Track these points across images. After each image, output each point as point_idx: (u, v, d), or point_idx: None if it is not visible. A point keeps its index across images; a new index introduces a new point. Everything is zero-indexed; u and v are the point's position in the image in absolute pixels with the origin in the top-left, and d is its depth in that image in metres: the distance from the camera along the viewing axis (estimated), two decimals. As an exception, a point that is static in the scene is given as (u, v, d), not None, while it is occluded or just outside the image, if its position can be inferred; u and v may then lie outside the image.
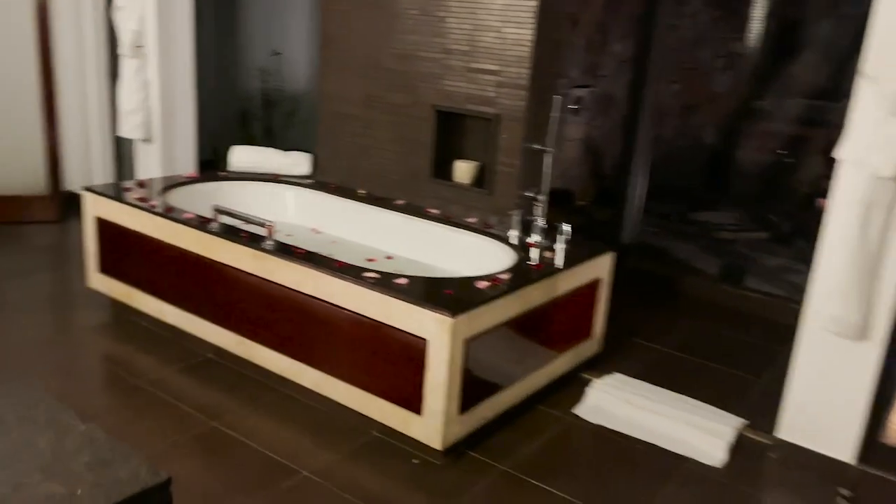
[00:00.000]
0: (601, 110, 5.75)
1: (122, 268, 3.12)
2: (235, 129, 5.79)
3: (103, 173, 4.69)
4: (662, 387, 2.93)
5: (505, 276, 2.49)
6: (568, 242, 2.86)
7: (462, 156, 3.33)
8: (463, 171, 3.23)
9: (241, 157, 3.68)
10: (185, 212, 2.93)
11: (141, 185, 3.29)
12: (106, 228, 3.13)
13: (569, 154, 5.96)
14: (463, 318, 2.20)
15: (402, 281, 2.36)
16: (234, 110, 5.78)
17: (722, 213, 5.57)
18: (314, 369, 2.53)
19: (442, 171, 3.31)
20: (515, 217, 3.01)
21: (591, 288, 2.89)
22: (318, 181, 3.67)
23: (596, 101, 5.77)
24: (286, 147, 4.03)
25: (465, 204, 3.23)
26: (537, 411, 2.70)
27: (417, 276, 2.43)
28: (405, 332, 2.26)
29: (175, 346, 2.94)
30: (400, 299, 2.26)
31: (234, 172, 3.67)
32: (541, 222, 2.94)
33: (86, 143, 4.73)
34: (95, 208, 3.15)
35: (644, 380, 2.99)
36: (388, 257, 3.23)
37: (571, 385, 2.89)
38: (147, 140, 4.21)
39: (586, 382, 2.92)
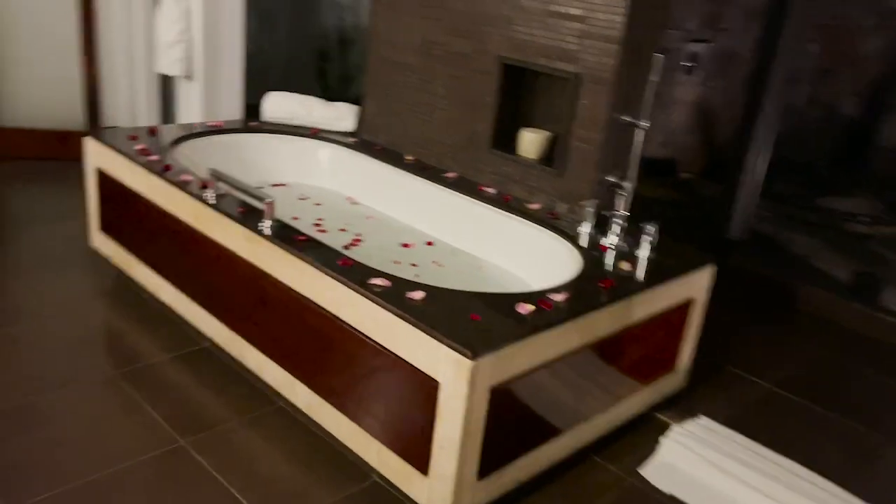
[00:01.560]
0: (719, 70, 4.90)
1: (122, 230, 2.67)
2: (311, 70, 5.29)
3: (147, 113, 4.29)
4: (762, 441, 2.25)
5: (560, 298, 1.85)
6: (654, 248, 2.18)
7: (530, 123, 2.66)
8: (529, 142, 2.57)
9: (276, 105, 3.14)
10: (186, 172, 2.43)
11: (152, 132, 2.81)
12: (105, 182, 2.67)
13: (676, 119, 5.16)
14: (488, 359, 1.60)
15: (418, 295, 1.77)
16: (310, 49, 5.26)
17: (856, 201, 4.65)
18: (306, 388, 2.00)
19: (504, 140, 2.66)
20: (589, 208, 2.34)
21: (681, 311, 2.22)
22: (361, 140, 3.09)
23: (714, 58, 4.93)
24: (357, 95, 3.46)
25: (528, 184, 2.58)
26: (590, 465, 2.09)
27: (440, 290, 1.83)
28: (412, 366, 1.69)
29: (173, 327, 2.48)
30: (408, 322, 1.68)
31: (266, 123, 3.14)
32: (621, 219, 2.26)
33: (130, 77, 4.32)
34: (96, 157, 2.70)
35: (739, 428, 2.31)
36: (428, 243, 2.63)
37: (641, 429, 2.26)
38: (187, 77, 3.75)
39: (661, 428, 2.27)
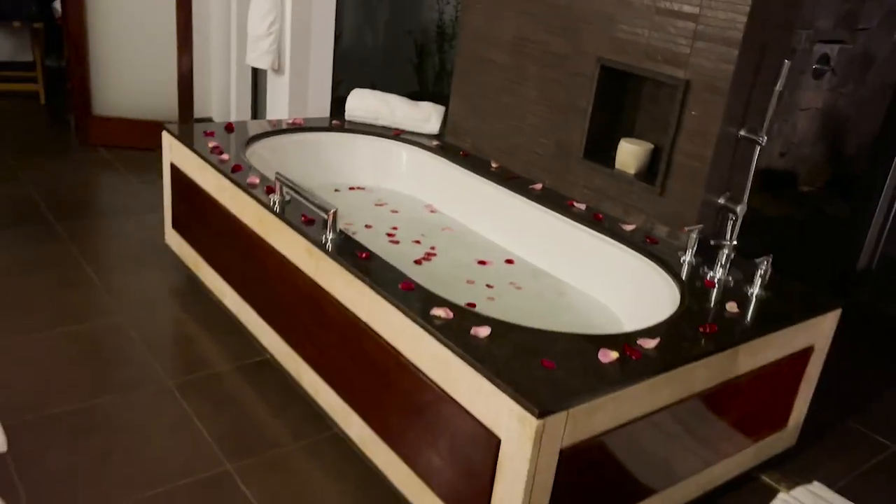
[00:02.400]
0: (854, 74, 4.41)
1: (191, 229, 2.59)
2: (408, 64, 5.15)
3: (237, 106, 4.25)
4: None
5: (651, 345, 1.58)
6: (767, 285, 1.88)
7: (630, 134, 2.38)
8: (628, 154, 2.29)
9: (359, 103, 2.98)
10: (255, 174, 2.29)
11: (229, 128, 2.71)
12: (178, 178, 2.59)
13: (800, 127, 4.70)
14: (558, 417, 1.36)
15: (483, 332, 1.55)
16: (408, 43, 5.12)
17: None
18: (361, 420, 1.82)
19: (599, 151, 2.39)
20: (694, 235, 2.04)
21: (797, 360, 1.89)
22: (445, 144, 2.89)
23: (848, 61, 4.43)
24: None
25: (625, 202, 2.30)
26: (678, 534, 1.81)
27: (510, 327, 1.59)
28: (472, 415, 1.47)
29: (239, 334, 2.37)
30: (470, 364, 1.46)
31: (347, 122, 2.99)
32: (729, 249, 1.96)
33: (224, 70, 4.30)
34: (171, 152, 2.62)
35: (858, 499, 1.96)
36: (508, 261, 2.40)
37: (742, 492, 1.96)
38: (276, 71, 3.66)
39: (766, 492, 1.96)
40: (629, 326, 2.03)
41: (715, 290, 1.90)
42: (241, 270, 2.29)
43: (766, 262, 1.89)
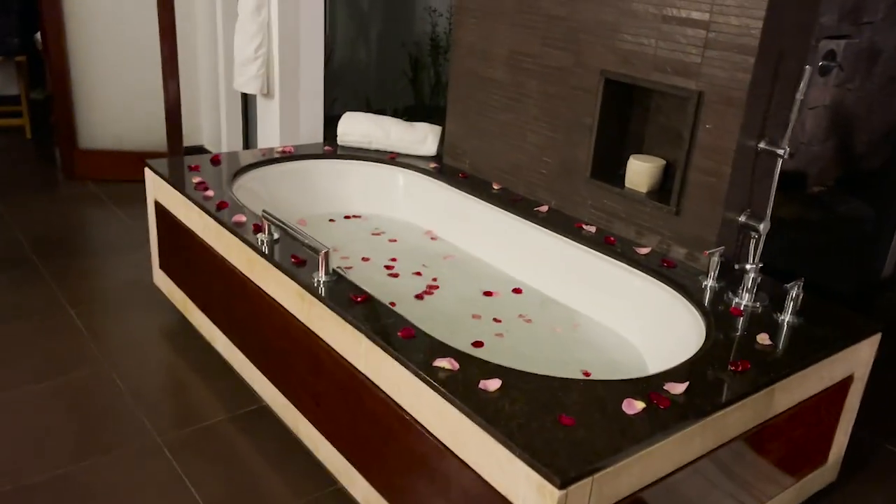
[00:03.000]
0: (861, 69, 4.26)
1: (178, 270, 2.44)
2: (403, 79, 5.02)
3: (228, 133, 4.12)
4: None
5: (679, 390, 1.42)
6: (797, 309, 1.73)
7: (639, 150, 2.24)
8: (638, 172, 2.14)
9: (352, 128, 2.84)
10: (242, 211, 2.15)
11: (215, 161, 2.57)
12: (163, 216, 2.45)
13: (809, 125, 4.55)
14: (583, 485, 1.20)
15: (493, 385, 1.40)
16: (402, 58, 4.99)
17: None
18: (365, 480, 1.67)
19: (607, 169, 2.24)
20: (715, 258, 1.89)
21: (836, 392, 1.74)
22: (443, 166, 2.75)
23: (855, 56, 4.29)
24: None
25: (637, 223, 2.15)
26: (716, 589, 1.65)
27: (523, 376, 1.44)
28: (483, 479, 1.32)
29: (232, 380, 2.23)
30: (479, 424, 1.31)
31: (340, 148, 2.85)
32: (755, 272, 1.81)
33: (213, 97, 4.17)
34: (154, 190, 2.49)
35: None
36: (516, 290, 2.25)
37: (780, 539, 1.80)
38: (265, 95, 3.53)
39: (807, 537, 1.80)
40: (651, 361, 1.88)
41: (742, 318, 1.75)
42: (231, 314, 2.14)
43: (797, 287, 1.73)
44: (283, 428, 2.01)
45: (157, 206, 2.47)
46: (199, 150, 4.28)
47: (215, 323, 2.24)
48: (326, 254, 1.75)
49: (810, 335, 1.68)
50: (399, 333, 1.55)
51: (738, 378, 1.49)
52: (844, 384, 1.74)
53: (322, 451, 1.82)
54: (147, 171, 2.49)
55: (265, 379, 2.01)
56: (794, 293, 1.73)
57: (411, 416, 1.47)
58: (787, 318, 1.73)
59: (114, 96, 3.91)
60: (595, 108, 2.18)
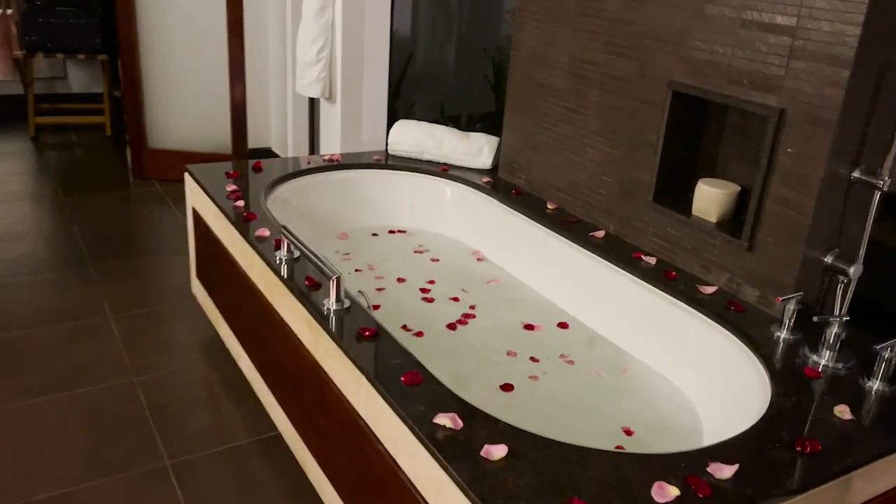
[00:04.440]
0: None
1: (212, 282, 2.35)
2: (484, 86, 4.84)
3: (296, 135, 4.04)
4: None
5: (726, 474, 1.17)
6: (891, 374, 1.43)
7: (710, 173, 1.96)
8: (708, 199, 1.87)
9: (403, 136, 2.68)
10: (266, 225, 2.02)
11: (257, 168, 2.46)
12: (199, 224, 2.36)
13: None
14: None
15: (497, 452, 1.18)
16: (484, 61, 4.81)
17: None
18: (364, 536, 1.49)
19: (673, 193, 1.98)
20: (790, 305, 1.61)
21: (933, 479, 1.42)
22: (498, 181, 2.54)
23: None
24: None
25: (704, 257, 1.88)
26: None
27: (534, 442, 1.22)
28: (477, 568, 1.11)
29: (252, 402, 2.11)
30: (470, 501, 1.10)
31: (389, 157, 2.69)
32: (840, 326, 1.51)
33: (280, 100, 4.11)
34: (192, 195, 2.40)
35: None
36: (562, 325, 2.02)
37: None
38: (328, 99, 3.42)
39: None
40: (706, 419, 1.62)
41: (819, 381, 1.46)
42: (253, 333, 2.02)
43: (892, 348, 1.43)
44: (294, 462, 1.86)
45: (195, 212, 2.38)
46: (267, 152, 4.23)
47: (239, 340, 2.12)
48: (339, 279, 1.58)
49: (904, 408, 1.38)
50: (402, 379, 1.36)
51: (806, 462, 1.22)
52: (946, 470, 1.43)
53: (327, 495, 1.65)
54: (186, 175, 2.40)
55: (279, 406, 1.87)
56: (886, 354, 1.43)
57: (406, 476, 1.28)
58: (875, 385, 1.43)
59: (183, 97, 3.91)
60: (661, 123, 1.93)
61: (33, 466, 1.84)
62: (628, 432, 1.58)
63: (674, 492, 1.12)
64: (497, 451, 1.18)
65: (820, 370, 1.49)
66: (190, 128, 3.94)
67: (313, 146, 4.09)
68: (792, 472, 1.20)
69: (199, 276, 2.46)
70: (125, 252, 3.04)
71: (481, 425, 1.25)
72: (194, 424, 2.04)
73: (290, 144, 4.11)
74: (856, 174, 1.61)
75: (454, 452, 1.18)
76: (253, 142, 4.08)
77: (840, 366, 1.50)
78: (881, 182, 1.56)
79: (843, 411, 1.35)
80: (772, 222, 1.70)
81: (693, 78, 1.83)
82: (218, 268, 2.22)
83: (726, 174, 1.93)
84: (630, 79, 2.01)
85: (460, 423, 1.24)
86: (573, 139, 2.24)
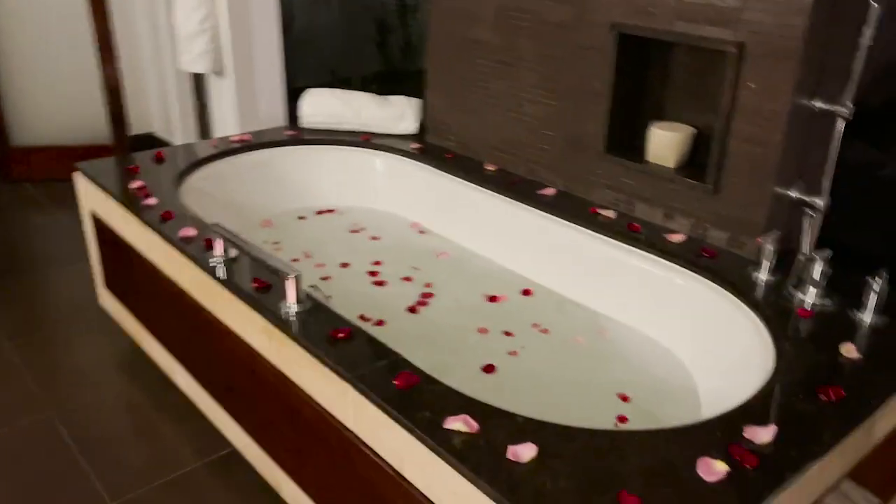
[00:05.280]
0: None
1: (126, 292, 2.08)
2: (370, 46, 4.59)
3: (181, 118, 3.69)
4: None
5: (766, 438, 1.10)
6: (883, 308, 1.41)
7: (661, 117, 1.89)
8: (664, 144, 1.80)
9: (317, 108, 2.46)
10: (191, 223, 1.78)
11: (158, 158, 2.19)
12: (102, 229, 2.07)
13: None
14: None
15: (526, 454, 1.06)
16: (368, 20, 4.55)
17: None
18: (365, 556, 1.34)
19: (625, 141, 1.90)
20: (769, 245, 1.57)
21: (927, 402, 1.43)
22: (427, 146, 2.38)
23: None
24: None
25: (666, 204, 1.81)
26: None
27: (561, 433, 1.10)
28: (526, 586, 0.99)
29: (197, 419, 1.88)
30: (516, 515, 0.98)
31: (305, 131, 2.47)
32: (823, 260, 1.48)
33: (158, 78, 3.74)
34: (87, 197, 2.10)
35: None
36: (525, 292, 1.91)
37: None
38: (217, 74, 3.12)
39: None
40: (700, 376, 1.56)
41: (816, 322, 1.43)
42: (189, 346, 1.79)
43: (879, 278, 1.41)
44: (256, 477, 1.67)
45: (94, 217, 2.09)
46: (149, 138, 3.85)
47: (173, 355, 1.89)
48: (297, 279, 1.40)
49: (901, 336, 1.37)
50: (396, 383, 1.21)
51: (834, 411, 1.17)
52: (939, 392, 1.43)
53: (310, 516, 1.49)
54: (77, 175, 2.10)
55: (236, 425, 1.67)
56: (876, 287, 1.41)
57: (421, 492, 1.14)
58: (868, 318, 1.41)
59: (47, 85, 3.47)
60: (607, 69, 1.82)
61: (-51, 538, 1.57)
62: (624, 399, 1.51)
63: (722, 468, 1.04)
64: (526, 452, 1.06)
65: (810, 309, 1.46)
66: (60, 119, 3.52)
67: (204, 128, 3.76)
68: (824, 423, 1.14)
69: (108, 285, 2.17)
70: (8, 269, 2.68)
71: (498, 423, 1.12)
72: (133, 455, 1.81)
73: (178, 128, 3.76)
74: (820, 104, 1.57)
75: (478, 460, 1.05)
76: (133, 128, 3.70)
77: (828, 302, 1.48)
78: (845, 110, 1.53)
79: (849, 350, 1.32)
80: (737, 161, 1.65)
81: (639, 17, 1.73)
82: (134, 276, 1.96)
83: (677, 117, 1.86)
84: (568, 25, 1.89)
85: (475, 425, 1.11)
86: (508, 95, 2.11)
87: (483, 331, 1.73)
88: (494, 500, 1.00)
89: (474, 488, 1.02)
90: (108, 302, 2.21)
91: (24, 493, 1.69)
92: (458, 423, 1.11)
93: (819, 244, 1.58)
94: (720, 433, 1.11)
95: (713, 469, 1.03)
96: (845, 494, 1.27)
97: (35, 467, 1.76)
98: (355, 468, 1.27)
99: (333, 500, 1.38)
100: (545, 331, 1.74)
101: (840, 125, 1.56)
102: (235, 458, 1.77)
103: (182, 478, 1.74)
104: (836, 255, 1.52)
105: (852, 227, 1.71)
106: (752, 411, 1.17)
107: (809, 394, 1.21)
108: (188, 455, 1.80)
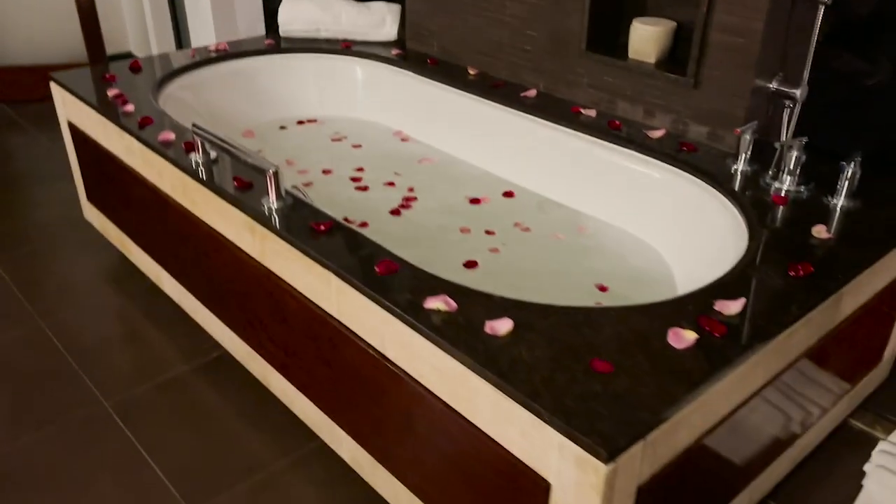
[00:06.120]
0: None
1: (109, 202, 2.08)
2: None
3: (158, 33, 3.61)
4: None
5: (734, 309, 1.14)
6: (854, 193, 1.44)
7: (642, 12, 1.86)
8: (645, 39, 1.78)
9: (294, 15, 2.41)
10: (170, 127, 1.77)
11: (135, 67, 2.15)
12: (80, 140, 2.06)
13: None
14: (634, 452, 0.93)
15: (502, 327, 1.09)
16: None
17: None
18: (353, 440, 1.40)
19: (606, 38, 1.88)
20: (747, 135, 1.58)
21: (894, 285, 1.47)
22: (408, 52, 2.35)
23: None
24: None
25: (647, 101, 1.81)
26: (768, 520, 1.44)
27: (536, 310, 1.14)
28: (502, 447, 1.04)
29: (186, 324, 1.91)
30: (492, 384, 1.01)
31: (284, 40, 2.43)
32: (798, 148, 1.50)
33: (133, -9, 3.63)
34: (65, 108, 2.08)
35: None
36: (507, 194, 1.93)
37: (832, 448, 1.58)
38: (192, -15, 3.04)
39: (862, 442, 1.58)
40: (678, 267, 1.60)
41: (787, 207, 1.45)
42: (174, 251, 1.81)
43: (854, 164, 1.43)
44: (250, 377, 1.72)
45: (72, 127, 2.07)
46: (128, 57, 3.77)
47: (159, 262, 1.91)
48: (276, 173, 1.40)
49: (873, 221, 1.40)
50: (377, 268, 1.23)
51: (802, 285, 1.21)
52: (907, 274, 1.48)
53: (298, 406, 1.54)
54: (53, 86, 2.07)
55: (223, 325, 1.71)
56: (849, 171, 1.43)
57: (405, 372, 1.18)
58: (840, 201, 1.44)
59: (21, 4, 3.37)
60: (587, -37, 1.79)
61: (-52, 437, 1.61)
62: (602, 289, 1.54)
63: (691, 336, 1.07)
64: (502, 326, 1.09)
65: (784, 195, 1.48)
66: (37, 39, 3.44)
67: (181, 43, 3.68)
68: (793, 296, 1.18)
69: (90, 199, 2.17)
70: (-10, 188, 2.67)
71: (476, 302, 1.15)
72: (125, 360, 1.84)
73: (154, 44, 3.67)
74: (800, -9, 1.55)
75: (457, 336, 1.08)
76: (110, 48, 3.62)
77: (802, 189, 1.50)
78: (826, -4, 1.52)
79: (820, 231, 1.35)
80: (718, 54, 1.64)
81: None
82: (115, 186, 1.96)
83: (659, 12, 1.83)
84: (548, -84, 1.85)
85: (454, 305, 1.14)
86: (488, -6, 2.08)
87: (465, 230, 1.75)
88: (472, 370, 1.03)
89: (453, 360, 1.06)
90: (92, 215, 2.21)
91: (23, 397, 1.73)
92: (438, 303, 1.14)
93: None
94: (691, 307, 1.15)
95: (683, 337, 1.07)
96: (810, 377, 1.32)
97: (30, 374, 1.80)
98: (340, 354, 1.31)
99: (320, 389, 1.43)
100: (526, 229, 1.76)
101: (820, 12, 1.55)
102: (224, 360, 1.81)
103: (172, 380, 1.78)
104: (817, 152, 1.53)
105: (835, 132, 1.72)
106: (724, 288, 1.20)
107: (779, 271, 1.24)
108: (177, 358, 1.84)
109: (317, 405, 1.46)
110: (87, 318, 1.99)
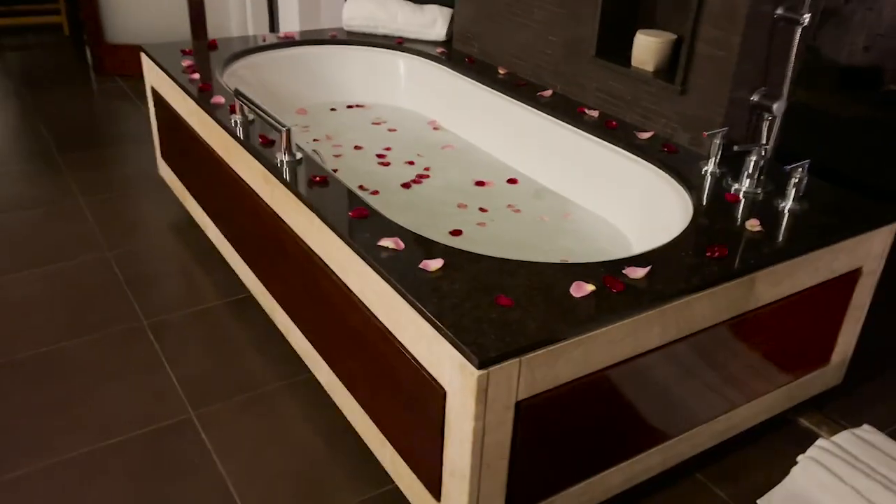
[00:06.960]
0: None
1: (176, 159, 2.41)
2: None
3: (255, 21, 4.00)
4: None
5: (639, 274, 1.30)
6: (803, 196, 1.56)
7: (652, 25, 2.02)
8: (646, 49, 1.94)
9: (357, 11, 2.69)
10: (220, 94, 2.07)
11: (211, 46, 2.49)
12: (159, 103, 2.40)
13: (887, 14, 4.07)
14: (508, 366, 1.12)
15: (433, 264, 1.30)
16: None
17: None
18: (327, 365, 1.63)
19: (614, 47, 2.05)
20: (717, 140, 1.72)
21: (841, 286, 1.57)
22: (452, 51, 2.58)
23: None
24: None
25: (643, 105, 1.97)
26: (690, 487, 1.57)
27: (469, 256, 1.34)
28: (416, 361, 1.25)
29: (224, 269, 2.21)
30: (409, 303, 1.22)
31: (347, 34, 2.71)
32: (759, 155, 1.63)
33: (238, -14, 4.05)
34: (150, 75, 2.43)
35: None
36: (511, 180, 2.12)
37: (774, 439, 1.69)
38: (284, -18, 3.40)
39: (805, 438, 1.68)
40: (639, 250, 1.75)
41: (740, 205, 1.59)
42: (216, 200, 2.11)
43: (801, 169, 1.55)
44: (266, 317, 1.99)
45: (154, 92, 2.42)
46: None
47: (205, 211, 2.22)
48: (288, 132, 1.66)
49: (810, 223, 1.51)
50: (350, 214, 1.47)
51: (712, 265, 1.35)
52: (850, 278, 1.57)
53: (293, 337, 1.79)
54: (143, 56, 2.43)
55: (246, 266, 1.99)
56: (796, 177, 1.55)
57: (358, 297, 1.40)
58: (787, 204, 1.56)
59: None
60: (601, -23, 1.97)
61: (15, 330, 1.96)
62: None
63: (589, 288, 1.25)
64: (433, 264, 1.30)
65: (740, 195, 1.62)
66: (148, 20, 3.90)
67: (274, 31, 4.06)
68: (700, 272, 1.33)
69: (163, 155, 2.52)
70: (91, 144, 3.09)
71: (422, 247, 1.37)
72: (168, 290, 2.16)
73: (251, 31, 4.07)
74: (779, 11, 1.68)
75: (396, 267, 1.30)
76: (213, 32, 4.05)
77: (759, 191, 1.63)
78: (802, 17, 1.64)
79: (753, 225, 1.48)
80: (702, 64, 1.79)
81: (628, -73, 1.87)
82: (180, 142, 2.29)
83: (665, 25, 1.99)
84: (571, -66, 2.04)
85: (402, 245, 1.36)
86: (525, 3, 2.28)
87: (462, 206, 1.96)
88: (400, 294, 1.25)
89: (388, 287, 1.28)
90: (164, 170, 2.56)
91: (79, 308, 2.07)
92: (389, 242, 1.36)
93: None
94: (603, 269, 1.32)
95: (582, 289, 1.25)
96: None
97: (90, 291, 2.14)
98: (318, 283, 1.55)
99: (306, 317, 1.67)
100: (517, 211, 1.95)
101: (798, 32, 1.67)
102: (249, 300, 2.09)
103: (203, 311, 2.07)
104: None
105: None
106: (639, 259, 1.36)
107: (699, 252, 1.39)
108: (212, 295, 2.14)
109: (304, 334, 1.70)
110: (145, 254, 2.33)
